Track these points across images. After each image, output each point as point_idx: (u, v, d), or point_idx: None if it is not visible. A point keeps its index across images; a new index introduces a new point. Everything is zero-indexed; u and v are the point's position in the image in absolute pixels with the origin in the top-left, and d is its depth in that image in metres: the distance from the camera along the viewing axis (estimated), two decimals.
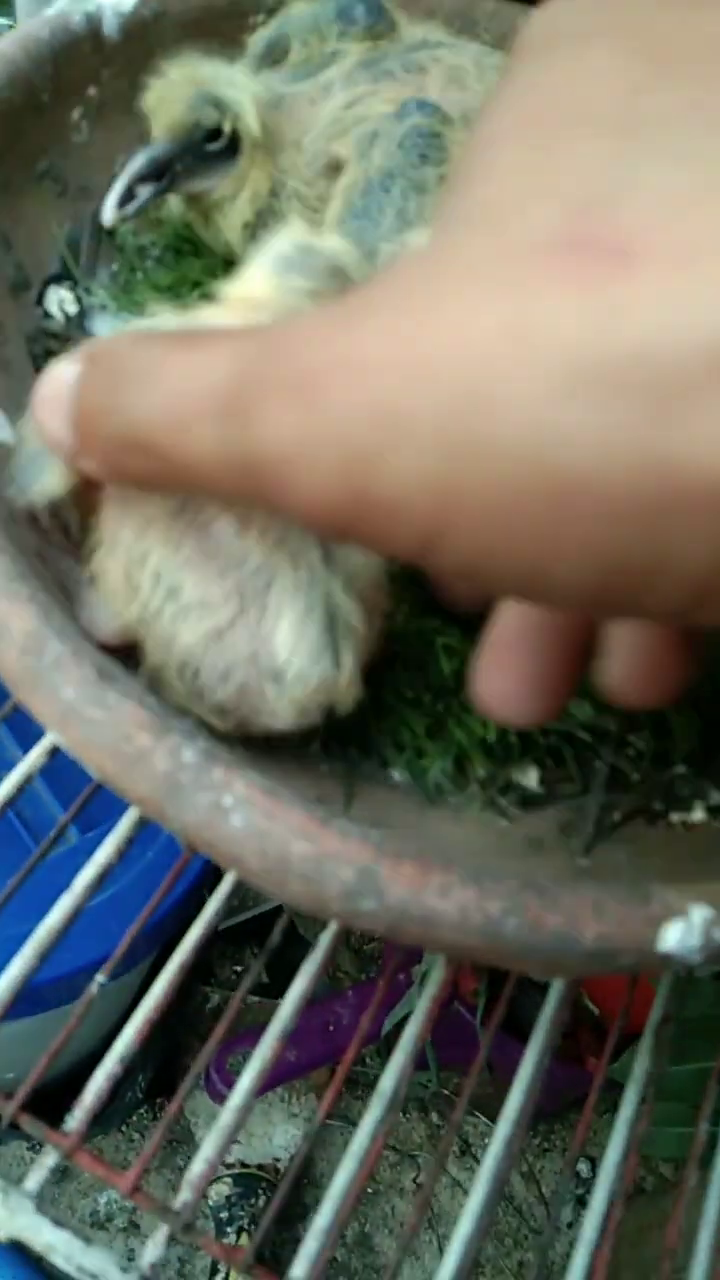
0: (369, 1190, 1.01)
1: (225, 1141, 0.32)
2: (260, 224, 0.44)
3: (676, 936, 0.26)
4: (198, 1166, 0.31)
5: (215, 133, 0.42)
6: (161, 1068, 0.97)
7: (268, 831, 0.26)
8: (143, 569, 0.28)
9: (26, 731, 0.65)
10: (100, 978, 0.35)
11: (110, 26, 0.43)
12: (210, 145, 0.42)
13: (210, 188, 0.43)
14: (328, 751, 0.36)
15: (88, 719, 0.26)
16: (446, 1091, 1.00)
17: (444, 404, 0.16)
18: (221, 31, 0.46)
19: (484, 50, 0.46)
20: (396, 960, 0.46)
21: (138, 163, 0.41)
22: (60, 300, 0.41)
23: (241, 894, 0.38)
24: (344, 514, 0.17)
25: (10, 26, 0.75)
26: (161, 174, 0.42)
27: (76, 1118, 0.32)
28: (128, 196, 0.41)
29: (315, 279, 0.30)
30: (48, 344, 0.40)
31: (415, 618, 0.38)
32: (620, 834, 0.37)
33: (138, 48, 0.45)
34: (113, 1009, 0.80)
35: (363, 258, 0.40)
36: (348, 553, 0.30)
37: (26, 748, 0.42)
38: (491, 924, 0.26)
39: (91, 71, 0.44)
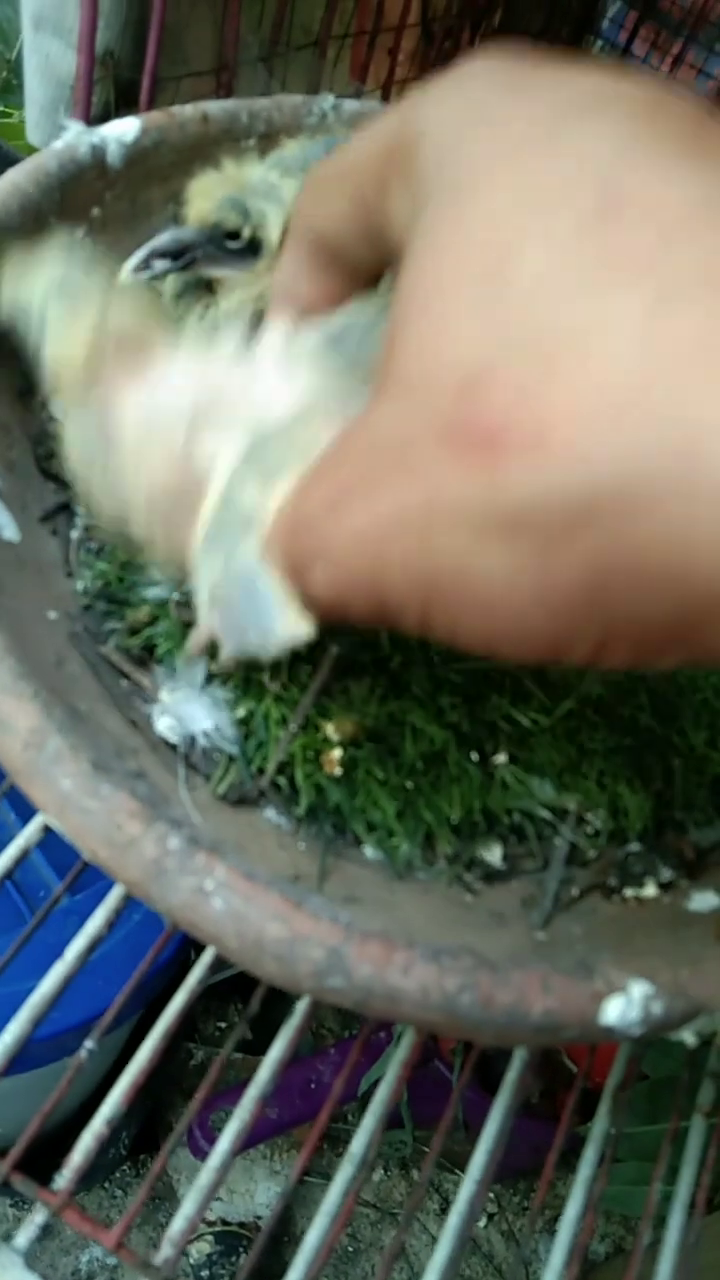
0: (349, 1249, 1.01)
1: (206, 1199, 0.34)
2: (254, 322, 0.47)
3: (617, 1011, 0.29)
4: (179, 1224, 0.34)
5: (235, 234, 0.46)
6: (145, 1124, 0.97)
7: (245, 914, 0.28)
8: None
9: (24, 803, 0.68)
10: (89, 1044, 0.37)
11: (114, 155, 0.47)
12: (230, 243, 0.46)
13: (226, 276, 0.47)
14: (305, 830, 0.38)
15: (83, 808, 0.29)
16: (425, 1149, 1.01)
17: (409, 552, 0.23)
18: (215, 156, 0.50)
19: None
20: (374, 1020, 0.49)
21: (162, 239, 0.45)
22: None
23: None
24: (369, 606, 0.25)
25: (7, 115, 0.79)
26: (180, 255, 0.46)
27: (65, 1177, 0.34)
28: (144, 265, 0.45)
29: None
30: (50, 445, 0.43)
31: (387, 701, 0.41)
32: (578, 908, 0.39)
33: (138, 171, 0.49)
34: (99, 1066, 0.82)
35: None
36: None
37: (24, 816, 0.44)
38: (448, 1000, 0.28)
39: (95, 195, 0.47)
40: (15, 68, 1.13)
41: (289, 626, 0.30)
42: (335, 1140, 1.05)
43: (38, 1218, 0.33)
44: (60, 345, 0.36)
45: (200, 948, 0.42)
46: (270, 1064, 0.38)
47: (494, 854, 0.40)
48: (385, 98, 0.88)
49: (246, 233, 0.45)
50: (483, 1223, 1.05)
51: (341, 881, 0.37)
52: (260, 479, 0.30)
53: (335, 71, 0.84)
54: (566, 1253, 0.37)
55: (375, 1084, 0.91)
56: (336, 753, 0.38)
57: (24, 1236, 0.33)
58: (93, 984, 0.58)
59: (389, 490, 0.23)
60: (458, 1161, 1.06)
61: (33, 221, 0.44)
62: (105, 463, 0.34)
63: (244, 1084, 0.38)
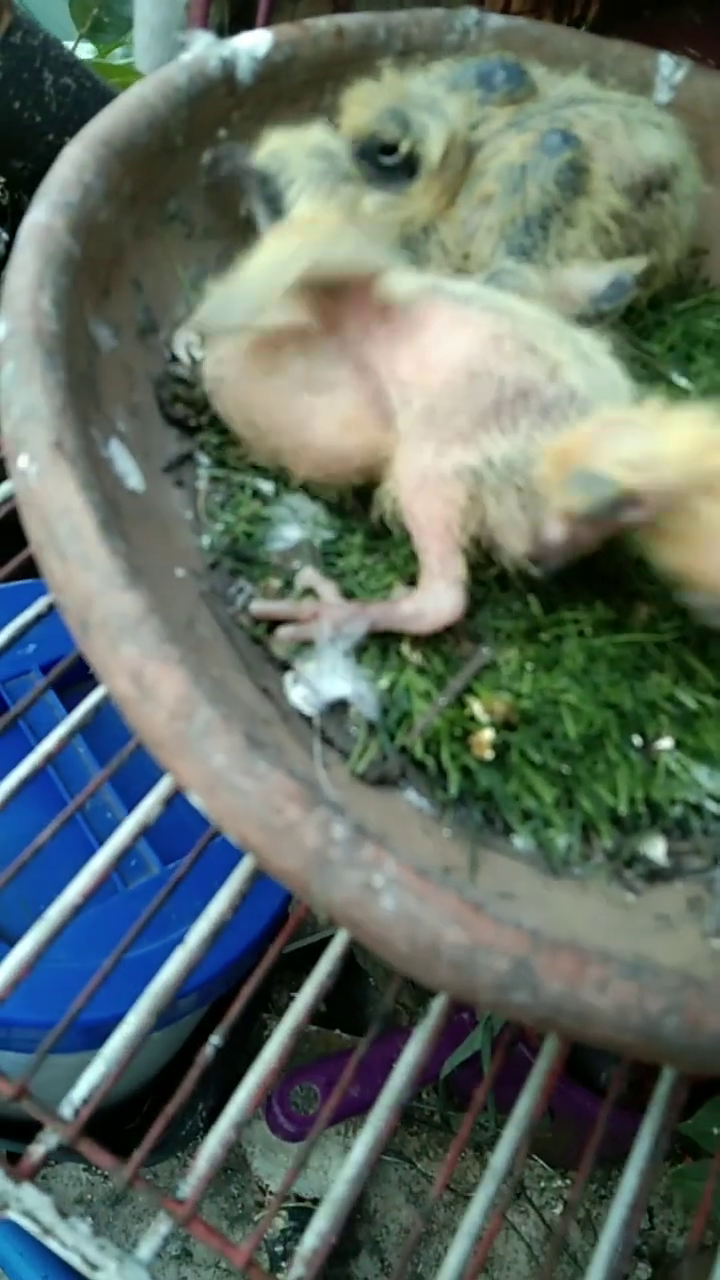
0: (425, 1231, 0.99)
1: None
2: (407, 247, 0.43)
3: None
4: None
5: (393, 148, 0.42)
6: (221, 1097, 0.96)
7: (419, 916, 0.25)
8: None
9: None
10: (215, 1039, 0.34)
11: (244, 71, 0.43)
12: (385, 158, 0.42)
13: (379, 197, 0.43)
14: (450, 816, 0.35)
15: (237, 788, 0.26)
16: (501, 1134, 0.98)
17: None
18: (349, 74, 0.46)
19: (629, 102, 0.45)
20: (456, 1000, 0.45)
21: None
22: (187, 344, 0.41)
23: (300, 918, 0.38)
24: None
25: (129, 58, 0.76)
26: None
27: (192, 1185, 0.31)
28: None
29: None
30: (175, 389, 0.40)
31: (538, 676, 0.37)
32: None
33: (268, 90, 0.45)
34: (172, 1039, 0.80)
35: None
36: None
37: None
38: (651, 1023, 0.25)
39: (223, 115, 0.44)
40: (107, 6, 1.10)
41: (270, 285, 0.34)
42: (408, 1119, 1.03)
43: (162, 1228, 0.31)
44: (313, 208, 0.38)
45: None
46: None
47: (657, 850, 0.36)
48: None
49: (405, 147, 0.41)
50: (559, 1209, 1.03)
51: (493, 875, 0.33)
52: None
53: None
54: (612, 1248, 0.33)
55: (461, 1069, 0.88)
56: (487, 734, 0.34)
57: (148, 1248, 0.30)
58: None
59: None
60: (535, 1146, 1.03)
61: (160, 140, 0.40)
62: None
63: (320, 1059, 0.35)
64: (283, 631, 0.35)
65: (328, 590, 0.36)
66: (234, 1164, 0.98)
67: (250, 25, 0.58)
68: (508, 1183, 0.34)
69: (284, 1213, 0.92)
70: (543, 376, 0.34)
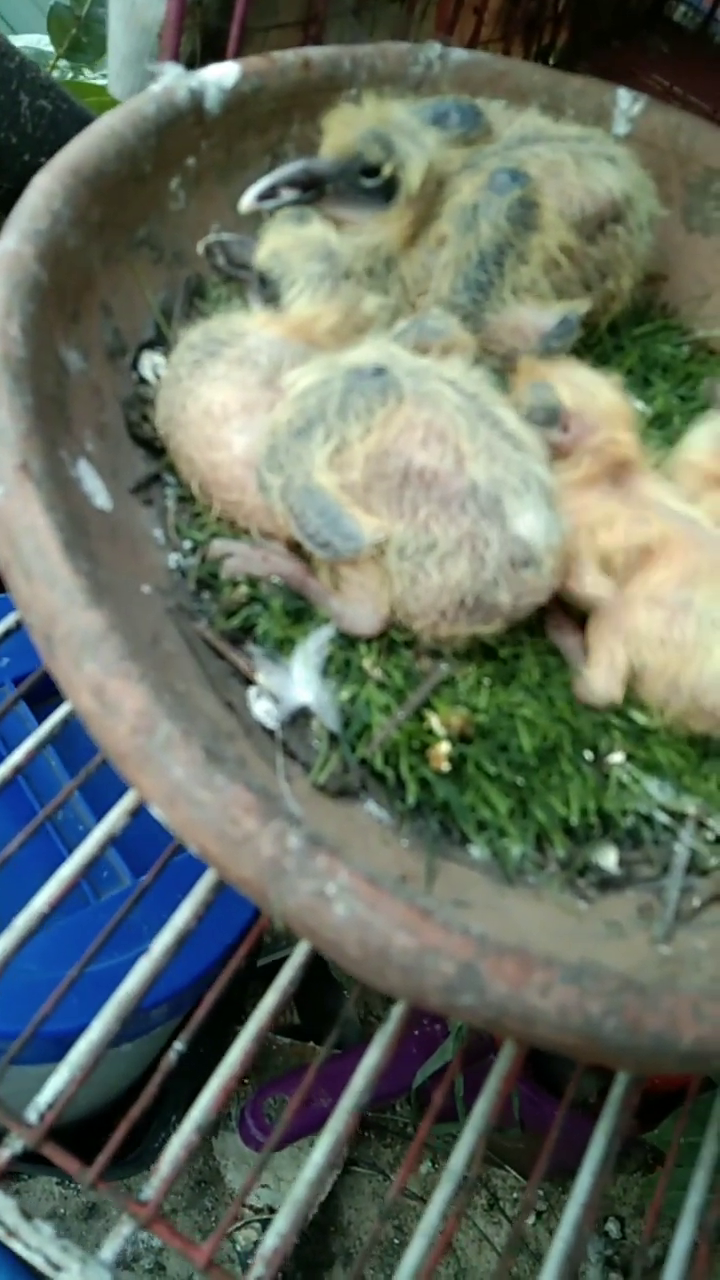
0: (394, 1240, 0.99)
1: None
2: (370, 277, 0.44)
3: None
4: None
5: (374, 170, 0.43)
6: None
7: (370, 922, 0.26)
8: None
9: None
10: (179, 1045, 0.35)
11: (213, 101, 0.44)
12: (366, 180, 0.43)
13: (352, 220, 0.44)
14: (409, 826, 0.36)
15: (195, 800, 0.27)
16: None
17: None
18: (315, 105, 0.47)
19: (582, 138, 0.47)
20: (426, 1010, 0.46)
21: (292, 167, 0.42)
22: (154, 365, 0.42)
23: (274, 933, 0.39)
24: None
25: (104, 79, 0.76)
26: (310, 187, 0.43)
27: (154, 1187, 0.32)
28: (270, 194, 0.42)
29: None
30: (143, 410, 0.41)
31: (495, 691, 0.38)
32: (699, 920, 0.37)
33: (235, 120, 0.46)
34: (143, 1051, 0.80)
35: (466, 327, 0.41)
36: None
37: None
38: (591, 1024, 0.26)
39: (192, 143, 0.45)
40: (85, 26, 1.11)
41: (368, 528, 0.36)
42: (381, 1130, 1.04)
43: (124, 1229, 0.31)
44: (312, 306, 0.40)
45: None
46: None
47: (609, 859, 0.37)
48: None
49: (387, 170, 0.42)
50: (531, 1220, 1.03)
51: (449, 884, 0.34)
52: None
53: (421, 27, 0.80)
54: (566, 1246, 0.34)
55: (434, 1080, 0.88)
56: (444, 747, 0.36)
57: (110, 1249, 0.31)
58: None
59: None
60: (507, 1157, 1.04)
61: (129, 168, 0.41)
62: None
63: (293, 1071, 0.36)
64: (230, 563, 0.38)
65: (280, 549, 0.38)
66: (208, 1177, 0.98)
67: (221, 56, 0.59)
68: (465, 1186, 0.35)
69: (257, 1225, 0.92)
70: (448, 468, 0.35)
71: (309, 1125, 0.92)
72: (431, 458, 0.35)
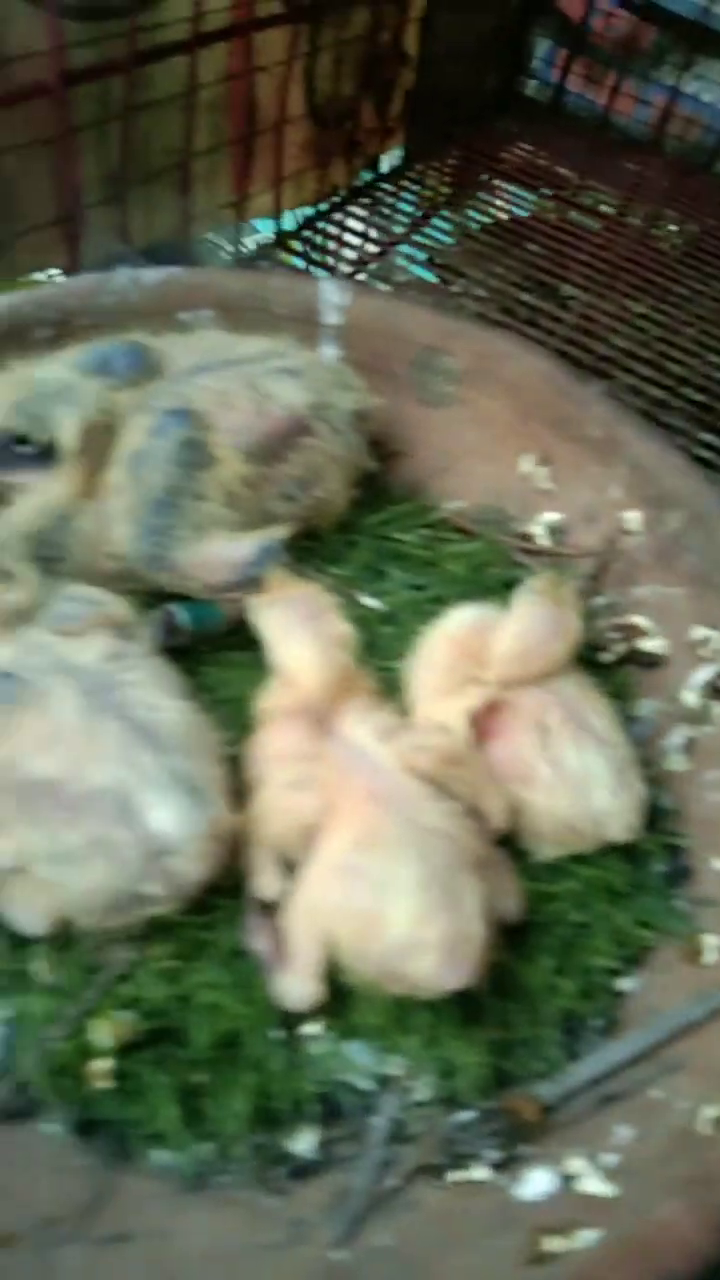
0: None
1: None
2: (41, 540, 0.44)
3: None
4: None
5: (26, 439, 0.43)
6: None
7: None
8: None
9: None
10: None
11: None
12: (19, 448, 0.43)
13: (22, 482, 0.44)
14: (89, 1144, 0.35)
15: None
16: None
17: None
18: (8, 350, 0.47)
19: (259, 356, 0.46)
20: None
21: None
22: None
23: None
24: None
25: None
26: None
27: None
28: None
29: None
30: None
31: (178, 978, 0.37)
32: (399, 1201, 0.35)
33: None
34: None
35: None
36: None
37: None
38: None
39: None
40: None
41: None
42: None
43: None
44: None
45: None
46: None
47: (305, 1143, 0.36)
48: (278, 199, 0.85)
49: (40, 438, 0.42)
50: None
51: (115, 1211, 0.33)
52: None
53: (213, 188, 0.81)
54: None
55: None
56: (103, 1063, 0.35)
57: None
58: None
59: None
60: None
61: None
62: None
63: None
64: None
65: None
66: None
67: None
68: None
69: None
70: (66, 775, 0.35)
71: None
72: (50, 765, 0.35)
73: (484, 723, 0.41)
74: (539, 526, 0.52)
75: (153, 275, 0.51)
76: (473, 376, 0.52)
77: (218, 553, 0.44)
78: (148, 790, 0.35)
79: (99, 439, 0.43)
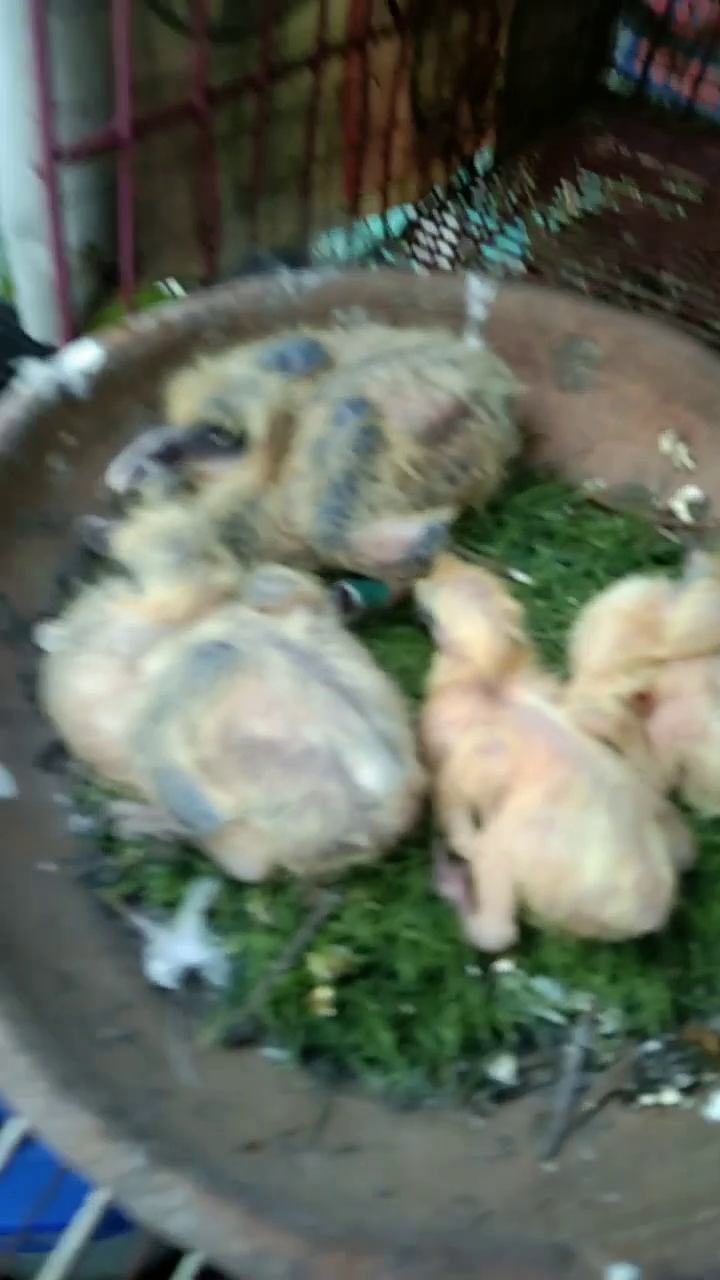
0: None
1: None
2: (232, 524, 0.48)
3: None
4: None
5: (222, 428, 0.47)
6: None
7: (207, 1232, 0.29)
8: None
9: None
10: None
11: (79, 388, 0.49)
12: (216, 438, 0.47)
13: (215, 471, 0.48)
14: (309, 1069, 0.38)
15: (49, 1129, 0.30)
16: None
17: None
18: (183, 355, 0.51)
19: (421, 347, 0.50)
20: None
21: (150, 443, 0.47)
22: (53, 636, 0.46)
23: None
24: None
25: None
26: (171, 457, 0.47)
27: None
28: (139, 472, 0.46)
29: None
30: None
31: (380, 919, 0.40)
32: (594, 1122, 0.38)
33: (107, 391, 0.50)
34: None
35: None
36: None
37: None
38: None
39: (66, 424, 0.49)
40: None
41: (224, 805, 0.38)
42: None
43: None
44: (167, 592, 0.42)
45: None
46: None
47: (504, 1070, 0.39)
48: (384, 201, 0.88)
49: (233, 428, 0.46)
50: None
51: (341, 1126, 0.37)
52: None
53: (328, 192, 0.84)
54: None
55: None
56: (325, 992, 0.38)
57: None
58: None
59: None
60: None
61: (6, 474, 0.46)
62: None
63: None
64: (126, 823, 0.42)
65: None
66: None
67: (116, 284, 0.63)
68: None
69: None
70: (284, 735, 0.38)
71: None
72: (269, 726, 0.38)
73: (649, 698, 0.44)
74: (680, 502, 0.54)
75: (313, 278, 0.54)
76: (614, 361, 0.55)
77: (390, 532, 0.47)
78: (357, 749, 0.38)
79: (283, 428, 0.47)
